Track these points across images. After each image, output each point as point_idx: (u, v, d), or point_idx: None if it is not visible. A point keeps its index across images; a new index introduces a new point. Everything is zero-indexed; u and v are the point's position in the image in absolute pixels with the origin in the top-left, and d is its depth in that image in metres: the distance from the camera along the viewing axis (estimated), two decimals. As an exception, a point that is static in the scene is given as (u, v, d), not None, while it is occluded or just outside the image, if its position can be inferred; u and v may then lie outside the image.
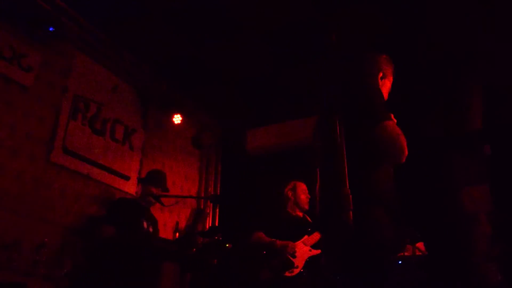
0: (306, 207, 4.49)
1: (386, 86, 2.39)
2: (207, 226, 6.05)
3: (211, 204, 6.33)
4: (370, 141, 2.02)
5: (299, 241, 4.22)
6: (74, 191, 4.54)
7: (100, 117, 5.04)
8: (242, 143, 6.54)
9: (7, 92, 4.06)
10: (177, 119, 5.82)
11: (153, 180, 4.40)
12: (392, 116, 2.09)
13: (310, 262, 4.14)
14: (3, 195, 3.83)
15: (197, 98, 6.22)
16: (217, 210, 6.37)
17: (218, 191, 6.54)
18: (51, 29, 4.43)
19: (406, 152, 1.99)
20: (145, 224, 4.12)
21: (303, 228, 4.34)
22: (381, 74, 2.40)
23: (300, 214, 4.52)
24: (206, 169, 6.76)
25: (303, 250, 4.18)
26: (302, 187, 4.54)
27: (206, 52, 5.18)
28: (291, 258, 4.08)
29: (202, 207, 6.27)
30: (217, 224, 6.17)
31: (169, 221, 5.58)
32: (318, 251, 4.21)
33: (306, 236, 4.27)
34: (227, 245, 4.60)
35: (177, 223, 5.12)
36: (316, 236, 4.25)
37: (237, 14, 4.55)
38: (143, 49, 5.20)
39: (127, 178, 5.20)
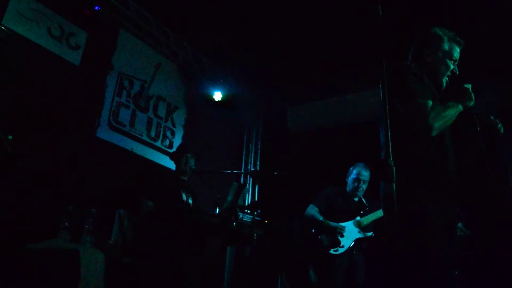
0: (358, 194, 4.44)
1: (440, 59, 2.37)
2: (247, 202, 6.13)
3: (252, 179, 6.40)
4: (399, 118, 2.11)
5: (349, 222, 4.25)
6: (119, 165, 4.71)
7: (144, 94, 5.17)
8: (284, 120, 6.54)
9: (56, 70, 4.22)
10: (218, 96, 5.88)
11: (177, 152, 4.47)
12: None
13: (357, 244, 4.19)
14: (55, 168, 4.01)
15: (238, 75, 6.25)
16: (257, 185, 6.45)
17: (258, 168, 6.60)
18: (97, 7, 4.56)
19: (431, 127, 2.06)
20: (184, 196, 4.20)
21: (357, 210, 4.36)
22: (428, 50, 2.38)
23: (359, 196, 4.49)
24: (246, 145, 6.82)
25: (353, 231, 4.22)
26: (359, 175, 4.48)
27: (247, 30, 5.16)
28: (339, 238, 4.13)
29: (242, 182, 6.36)
30: (256, 200, 6.24)
31: (210, 196, 5.68)
32: (367, 234, 4.23)
33: (358, 218, 4.29)
34: (266, 221, 4.66)
35: (218, 198, 5.20)
36: (367, 219, 4.26)
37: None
38: (186, 27, 5.25)
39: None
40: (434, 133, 2.07)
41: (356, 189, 4.40)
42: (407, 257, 1.93)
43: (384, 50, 1.90)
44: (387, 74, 1.97)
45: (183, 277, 3.69)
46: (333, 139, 6.01)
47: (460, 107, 2.18)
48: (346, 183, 4.54)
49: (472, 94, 2.23)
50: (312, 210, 4.37)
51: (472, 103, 2.22)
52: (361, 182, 4.41)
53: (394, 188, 1.54)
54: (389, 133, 1.62)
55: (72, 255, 2.91)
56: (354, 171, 4.47)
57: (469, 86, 2.25)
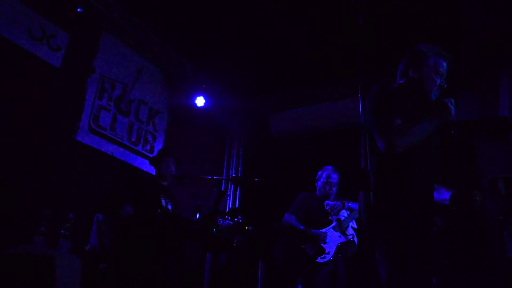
0: (330, 198, 4.47)
1: (425, 74, 2.39)
2: (228, 208, 6.11)
3: (232, 185, 6.39)
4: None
5: (329, 227, 4.25)
6: (99, 169, 4.65)
7: (125, 97, 5.12)
8: (266, 126, 6.54)
9: (36, 71, 4.15)
10: (201, 101, 5.85)
11: (158, 156, 4.45)
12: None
13: (340, 248, 4.19)
14: (32, 171, 3.94)
15: (221, 80, 6.24)
16: (238, 192, 6.43)
17: (240, 174, 6.58)
18: (79, 9, 4.50)
19: (392, 146, 2.09)
20: (163, 202, 4.16)
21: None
22: (413, 67, 2.42)
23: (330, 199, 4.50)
24: (228, 151, 6.80)
25: (333, 236, 4.22)
26: (329, 178, 4.49)
27: (231, 35, 5.17)
28: (323, 245, 4.13)
29: (223, 188, 6.34)
30: (237, 206, 6.22)
31: (190, 202, 5.65)
32: (348, 237, 4.24)
33: (335, 223, 4.28)
34: (246, 227, 4.64)
35: (198, 204, 5.17)
36: (346, 222, 4.27)
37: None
38: (170, 31, 5.23)
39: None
40: (399, 150, 2.09)
41: (327, 192, 4.43)
42: (386, 267, 1.95)
43: (363, 60, 1.92)
44: (371, 91, 2.00)
45: (162, 283, 3.65)
46: (316, 146, 6.04)
47: (437, 121, 2.21)
48: (316, 188, 4.56)
49: (452, 108, 2.24)
50: (290, 219, 4.32)
51: (450, 116, 2.23)
52: (332, 185, 4.44)
53: (372, 196, 1.54)
54: (367, 144, 1.63)
55: (47, 261, 2.85)
56: (324, 175, 4.50)
57: (450, 100, 2.27)
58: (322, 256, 4.11)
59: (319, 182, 4.54)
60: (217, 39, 5.27)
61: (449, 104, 2.24)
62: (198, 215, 4.99)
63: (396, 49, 2.66)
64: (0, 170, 3.61)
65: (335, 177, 4.47)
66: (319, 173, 4.58)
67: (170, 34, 5.30)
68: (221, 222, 4.22)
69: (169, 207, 4.20)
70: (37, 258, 2.92)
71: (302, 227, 4.22)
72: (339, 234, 4.25)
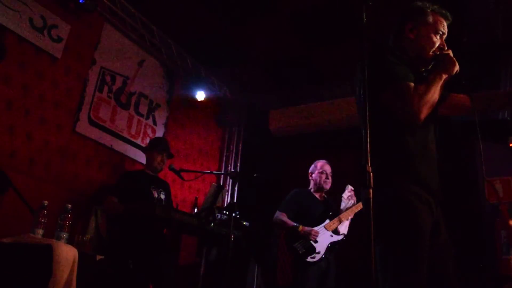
0: (326, 187, 4.45)
1: (423, 33, 2.15)
2: (226, 203, 6.11)
3: (231, 180, 6.39)
4: (383, 106, 1.96)
5: (321, 226, 4.19)
6: (98, 162, 4.65)
7: (126, 90, 5.12)
8: (265, 123, 6.54)
9: (37, 62, 4.14)
10: (201, 96, 5.84)
11: (155, 147, 4.38)
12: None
13: (331, 247, 4.14)
14: (31, 162, 3.95)
15: (222, 76, 6.24)
16: (236, 187, 6.44)
17: (239, 169, 6.58)
18: (81, 1, 4.49)
19: (418, 112, 1.87)
20: (155, 193, 4.12)
21: (325, 212, 4.32)
22: (410, 25, 2.17)
23: (324, 196, 4.47)
24: (227, 147, 6.80)
25: (325, 235, 4.14)
26: (324, 168, 4.49)
27: (234, 30, 5.17)
28: (313, 244, 4.09)
29: (221, 183, 6.34)
30: (235, 201, 6.22)
31: (188, 197, 5.67)
32: (339, 237, 4.20)
33: (328, 221, 4.23)
34: (244, 223, 4.64)
35: (196, 199, 5.18)
36: (337, 222, 4.22)
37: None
38: (171, 25, 5.22)
39: (149, 152, 5.27)
40: (422, 117, 1.87)
41: (324, 181, 4.39)
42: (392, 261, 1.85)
43: (366, 57, 1.89)
44: (371, 56, 1.82)
45: (157, 276, 3.66)
46: (314, 143, 6.06)
47: (444, 77, 1.97)
48: (309, 183, 4.53)
49: (454, 59, 2.01)
50: (280, 216, 4.24)
51: (456, 68, 2.01)
52: (328, 174, 4.42)
53: (371, 193, 1.52)
54: (368, 139, 1.60)
55: (44, 250, 2.85)
56: (318, 166, 4.48)
57: (448, 52, 2.07)
58: (312, 256, 4.02)
59: (313, 174, 4.48)
60: (218, 35, 5.26)
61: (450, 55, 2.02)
62: (196, 209, 5.00)
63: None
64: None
65: (328, 168, 4.46)
66: (312, 166, 4.54)
67: (171, 28, 5.30)
68: (219, 217, 4.22)
69: (162, 196, 4.17)
70: (35, 248, 2.92)
71: (293, 224, 4.13)
72: (331, 233, 4.20)
